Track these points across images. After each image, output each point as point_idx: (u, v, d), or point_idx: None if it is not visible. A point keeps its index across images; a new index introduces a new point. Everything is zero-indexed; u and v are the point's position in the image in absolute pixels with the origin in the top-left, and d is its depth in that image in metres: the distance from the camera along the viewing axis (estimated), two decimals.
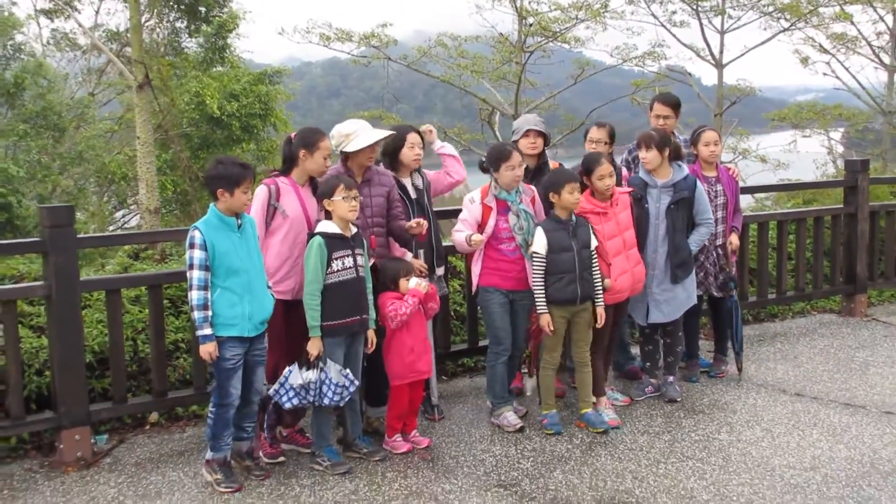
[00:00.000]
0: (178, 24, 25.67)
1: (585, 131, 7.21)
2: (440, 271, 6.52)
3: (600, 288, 6.14)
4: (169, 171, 24.62)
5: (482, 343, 7.34)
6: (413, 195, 6.27)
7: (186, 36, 25.79)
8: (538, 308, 6.02)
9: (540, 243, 6.00)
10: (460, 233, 6.17)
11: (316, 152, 5.66)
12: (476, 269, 6.27)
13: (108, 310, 5.94)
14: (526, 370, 6.93)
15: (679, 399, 6.70)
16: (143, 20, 21.44)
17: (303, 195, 5.72)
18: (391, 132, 6.12)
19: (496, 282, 6.19)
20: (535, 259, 6.01)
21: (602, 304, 6.15)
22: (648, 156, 6.58)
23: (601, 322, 6.15)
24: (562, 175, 6.16)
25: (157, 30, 25.53)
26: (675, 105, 7.29)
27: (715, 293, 7.16)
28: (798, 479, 5.25)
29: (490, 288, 6.21)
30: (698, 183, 6.75)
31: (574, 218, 6.08)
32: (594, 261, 6.11)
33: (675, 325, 6.81)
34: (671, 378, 6.85)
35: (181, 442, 6.09)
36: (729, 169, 7.26)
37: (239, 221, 5.21)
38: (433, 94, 74.76)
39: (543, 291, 5.99)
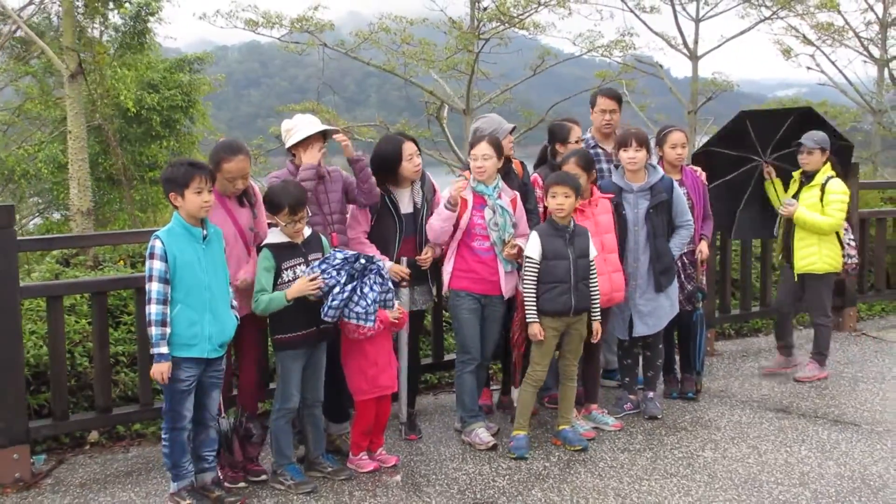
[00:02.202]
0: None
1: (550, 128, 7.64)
2: (423, 290, 6.83)
3: (598, 300, 6.55)
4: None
5: (448, 357, 7.76)
6: (406, 210, 6.61)
7: (99, 21, 25.68)
8: (528, 317, 6.39)
9: (533, 248, 6.37)
10: (437, 215, 6.53)
11: (218, 173, 5.78)
12: (448, 268, 6.68)
13: (49, 319, 6.25)
14: (497, 386, 7.36)
15: (660, 416, 7.20)
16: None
17: (231, 207, 5.92)
18: (330, 128, 6.31)
19: (466, 285, 6.63)
20: (527, 264, 6.40)
21: (599, 317, 6.58)
22: (639, 155, 6.96)
23: (596, 337, 6.61)
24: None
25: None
26: (619, 100, 7.91)
27: (685, 306, 7.51)
28: (787, 496, 5.76)
29: (461, 292, 6.64)
30: (675, 184, 7.21)
31: (573, 225, 6.45)
32: (592, 272, 6.49)
33: (655, 337, 7.27)
34: (651, 394, 7.33)
35: (126, 462, 6.43)
36: (695, 171, 7.73)
37: (205, 232, 5.46)
38: (367, 85, 74.74)
39: (535, 299, 6.37)
